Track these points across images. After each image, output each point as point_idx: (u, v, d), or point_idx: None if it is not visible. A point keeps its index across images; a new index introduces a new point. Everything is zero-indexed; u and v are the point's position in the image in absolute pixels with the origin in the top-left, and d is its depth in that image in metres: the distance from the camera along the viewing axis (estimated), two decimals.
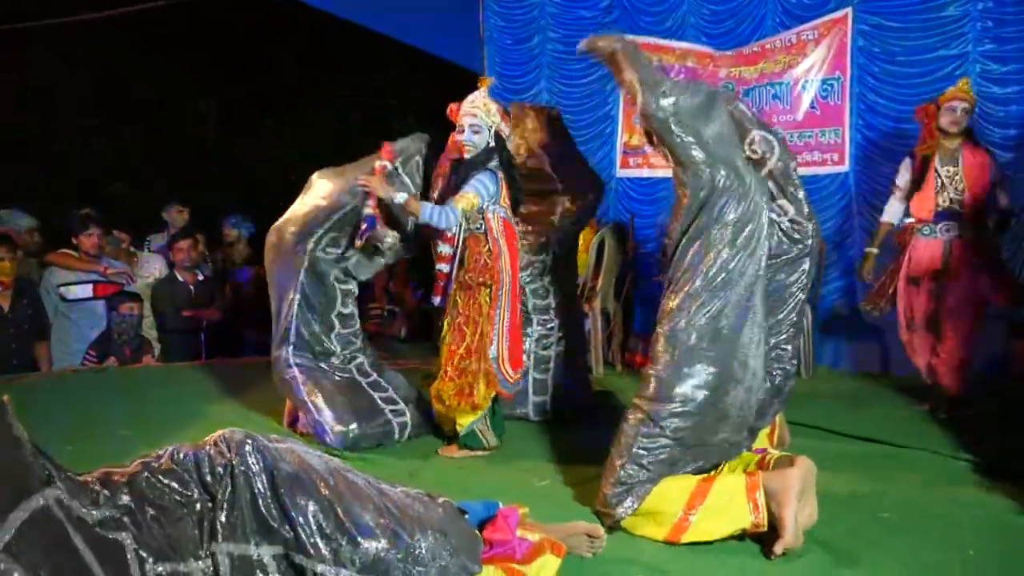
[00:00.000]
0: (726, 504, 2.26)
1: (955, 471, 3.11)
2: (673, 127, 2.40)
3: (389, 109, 13.07)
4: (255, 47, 10.95)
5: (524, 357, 3.50)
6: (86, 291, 4.84)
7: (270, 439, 1.61)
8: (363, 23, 6.56)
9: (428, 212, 3.12)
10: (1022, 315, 4.91)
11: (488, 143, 3.21)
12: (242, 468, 1.50)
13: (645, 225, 6.04)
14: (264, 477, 1.52)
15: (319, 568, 1.51)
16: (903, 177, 4.04)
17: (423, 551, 1.61)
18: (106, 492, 1.44)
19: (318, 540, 1.50)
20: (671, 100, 2.38)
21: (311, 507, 1.52)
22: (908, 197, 4.01)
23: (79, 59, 9.55)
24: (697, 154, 2.41)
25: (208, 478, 1.52)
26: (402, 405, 3.52)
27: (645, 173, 6.17)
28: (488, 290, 3.19)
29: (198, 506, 1.52)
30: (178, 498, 1.51)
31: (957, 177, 3.85)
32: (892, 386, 4.29)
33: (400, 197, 3.16)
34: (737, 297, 2.39)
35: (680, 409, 2.37)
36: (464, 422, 3.27)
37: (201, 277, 5.36)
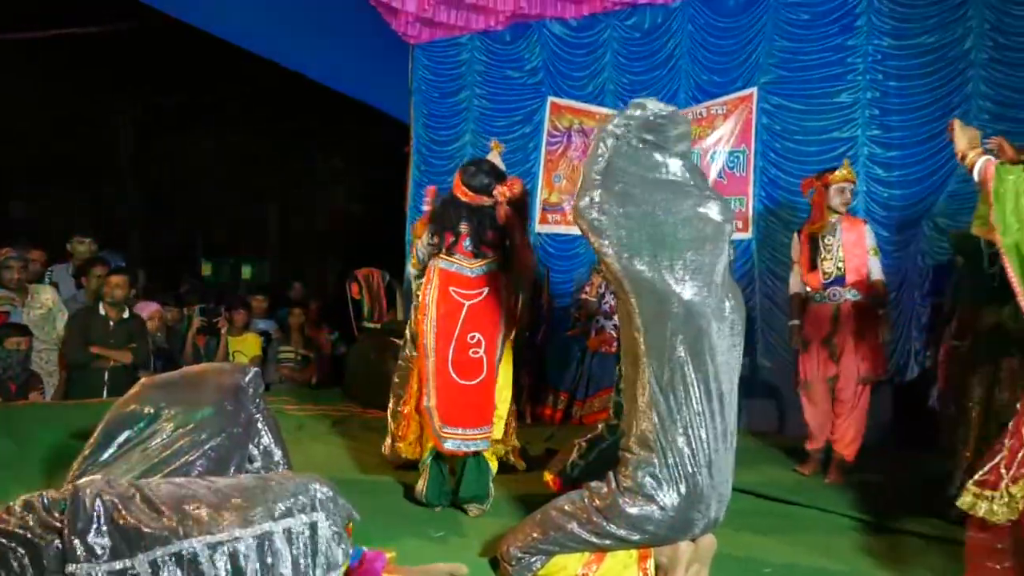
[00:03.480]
0: (619, 571, 2.35)
1: (835, 528, 3.28)
2: (590, 236, 2.45)
3: (316, 149, 13.05)
4: (184, 83, 10.79)
5: None
6: None
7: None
8: (294, 68, 6.57)
9: None
10: (906, 382, 5.24)
11: None
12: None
13: (561, 280, 6.19)
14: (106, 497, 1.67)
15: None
16: (795, 251, 4.36)
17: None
18: None
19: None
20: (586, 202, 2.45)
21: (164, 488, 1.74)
22: (802, 269, 4.29)
23: None
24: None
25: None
26: None
27: (562, 230, 6.34)
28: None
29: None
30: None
31: (837, 247, 4.16)
32: (784, 446, 4.48)
33: None
34: None
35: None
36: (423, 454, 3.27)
37: (126, 315, 5.10)
